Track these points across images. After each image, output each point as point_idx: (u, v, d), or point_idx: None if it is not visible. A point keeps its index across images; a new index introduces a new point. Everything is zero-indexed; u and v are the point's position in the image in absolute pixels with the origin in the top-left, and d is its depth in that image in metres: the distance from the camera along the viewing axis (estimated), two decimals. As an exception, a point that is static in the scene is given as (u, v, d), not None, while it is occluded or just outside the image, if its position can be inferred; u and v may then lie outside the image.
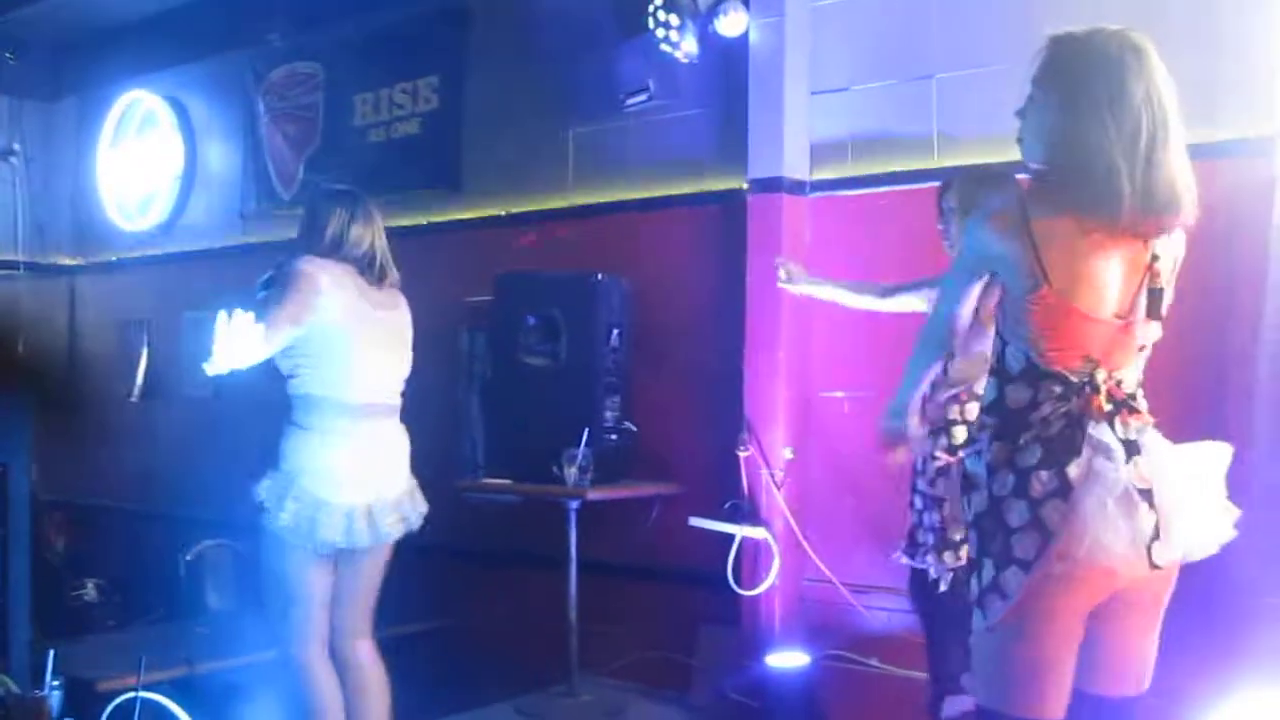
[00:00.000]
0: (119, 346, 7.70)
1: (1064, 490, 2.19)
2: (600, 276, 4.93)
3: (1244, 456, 3.54)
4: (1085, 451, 2.20)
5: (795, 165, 4.76)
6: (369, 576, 3.74)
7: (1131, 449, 2.22)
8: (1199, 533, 2.26)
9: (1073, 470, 2.19)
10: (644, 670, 4.91)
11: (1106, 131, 2.18)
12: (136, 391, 7.56)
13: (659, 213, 5.23)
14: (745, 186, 4.84)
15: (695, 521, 4.72)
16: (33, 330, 7.90)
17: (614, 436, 4.91)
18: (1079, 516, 2.17)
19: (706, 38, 4.85)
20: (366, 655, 3.75)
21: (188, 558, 6.10)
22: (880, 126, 4.65)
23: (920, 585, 3.49)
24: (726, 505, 4.73)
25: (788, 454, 4.68)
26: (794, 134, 4.76)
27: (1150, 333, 2.29)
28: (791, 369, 4.72)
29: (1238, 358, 3.64)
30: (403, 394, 3.75)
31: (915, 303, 3.69)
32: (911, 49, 4.57)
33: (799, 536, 4.64)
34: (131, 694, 2.89)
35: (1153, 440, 2.26)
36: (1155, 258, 2.25)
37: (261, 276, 3.63)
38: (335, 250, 3.58)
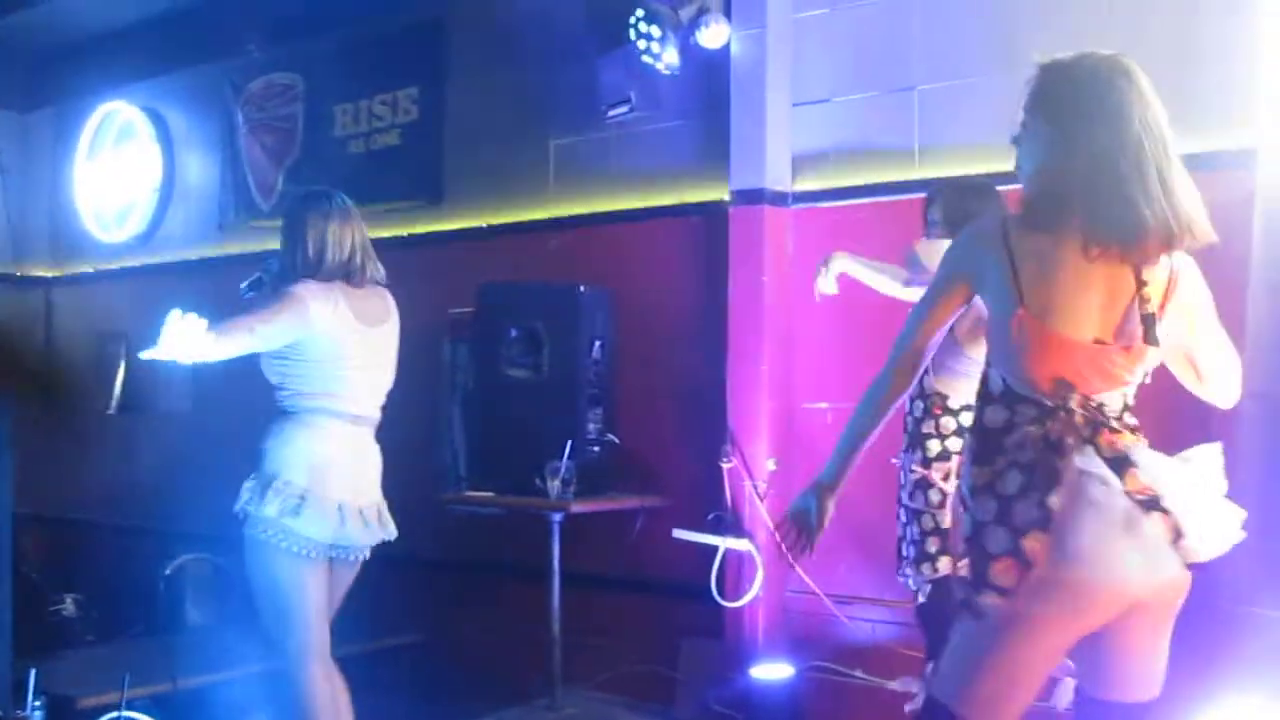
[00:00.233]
0: (96, 359, 7.64)
1: (1044, 520, 2.18)
2: (583, 288, 4.93)
3: (1228, 467, 3.60)
4: (1069, 479, 2.19)
5: (777, 176, 4.77)
6: (339, 587, 3.69)
7: (1121, 464, 2.21)
8: (1210, 533, 2.26)
9: (1054, 500, 2.18)
10: (627, 683, 4.90)
11: (1112, 154, 2.17)
12: (114, 404, 7.51)
13: (641, 224, 5.23)
14: (727, 198, 4.84)
15: (679, 533, 4.72)
16: (9, 342, 7.84)
17: (597, 449, 4.91)
18: (1077, 550, 2.16)
19: (688, 49, 4.85)
20: (329, 673, 3.69)
21: (167, 572, 6.07)
22: (862, 138, 4.67)
23: (929, 607, 3.44)
24: (710, 517, 4.73)
25: (771, 465, 4.68)
26: (776, 145, 4.77)
27: (1149, 359, 2.29)
28: (774, 380, 4.72)
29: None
30: (382, 408, 3.74)
31: None
32: (893, 61, 4.58)
33: (782, 548, 4.63)
34: (115, 714, 2.86)
35: (1145, 453, 2.26)
36: (1143, 283, 2.24)
37: (249, 277, 3.62)
38: (320, 262, 3.56)
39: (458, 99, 5.97)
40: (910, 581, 3.42)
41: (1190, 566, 2.29)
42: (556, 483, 4.62)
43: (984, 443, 2.30)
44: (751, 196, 4.76)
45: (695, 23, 4.80)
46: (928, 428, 3.34)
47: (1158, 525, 2.19)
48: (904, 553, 3.45)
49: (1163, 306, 2.28)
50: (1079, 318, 2.22)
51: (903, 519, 3.45)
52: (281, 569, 3.46)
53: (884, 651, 4.38)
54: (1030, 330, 2.21)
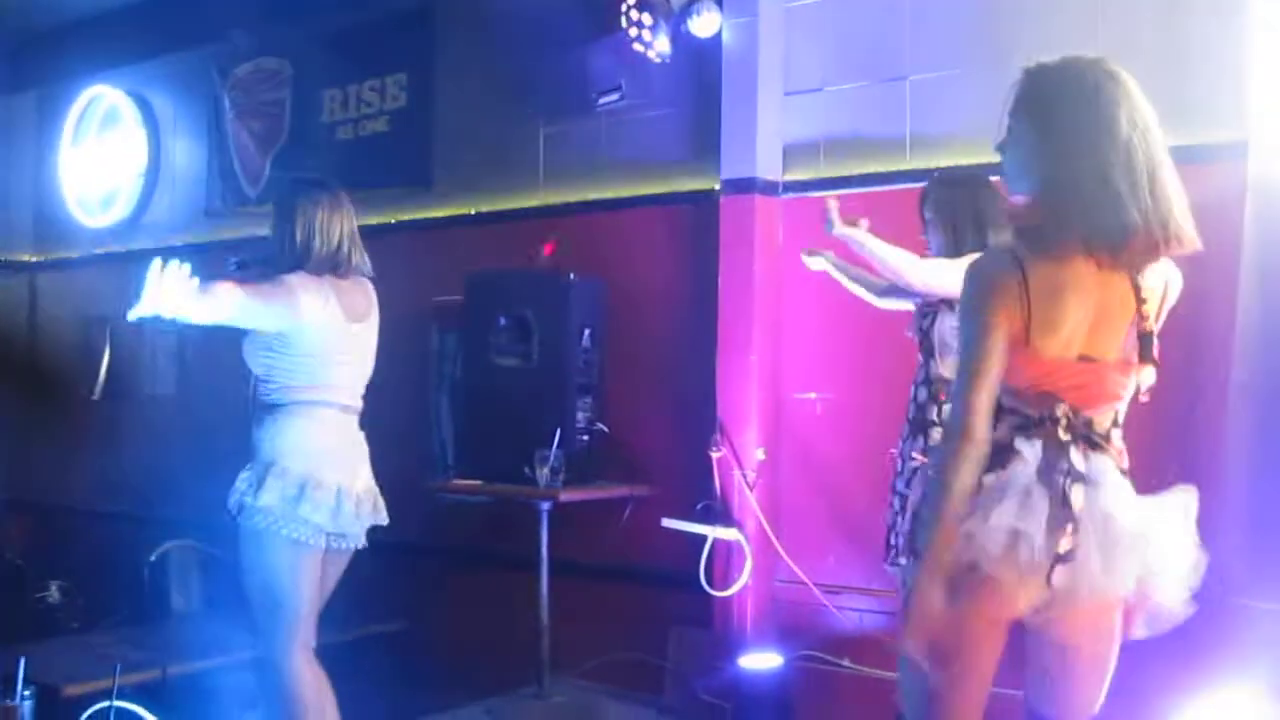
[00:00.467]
0: (81, 344, 7.59)
1: (975, 491, 2.22)
2: (572, 276, 4.91)
3: (1217, 457, 3.63)
4: (1012, 464, 2.22)
5: (768, 166, 4.76)
6: (332, 577, 3.70)
7: (1077, 476, 2.22)
8: (1160, 578, 2.27)
9: (989, 478, 2.22)
10: (616, 671, 4.89)
11: (1103, 159, 2.16)
12: (98, 390, 7.47)
13: (631, 212, 5.21)
14: (718, 187, 4.83)
15: (668, 522, 4.72)
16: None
17: (586, 437, 4.89)
18: (979, 512, 2.19)
19: (679, 37, 4.83)
20: (312, 665, 3.68)
21: (151, 559, 6.05)
22: (853, 128, 4.66)
23: None
24: (699, 506, 4.73)
25: (760, 455, 4.67)
26: (767, 135, 4.75)
27: (1145, 377, 2.29)
28: (764, 370, 4.72)
29: (1211, 365, 3.67)
30: (363, 397, 3.74)
31: (905, 304, 3.67)
32: (885, 50, 4.57)
33: (771, 537, 4.65)
34: (105, 704, 2.85)
35: (1112, 478, 2.27)
36: (1142, 300, 2.25)
37: (238, 256, 3.60)
38: (307, 250, 3.55)
39: (447, 86, 5.94)
40: (899, 572, 3.42)
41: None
42: (545, 471, 4.61)
43: None
44: (742, 186, 4.75)
45: (687, 11, 4.78)
46: (931, 414, 3.33)
47: (1056, 537, 2.19)
48: (892, 542, 3.45)
49: (1157, 319, 2.29)
50: (1067, 335, 2.23)
51: (895, 507, 3.45)
52: (281, 557, 3.45)
53: (872, 641, 4.38)
54: (1022, 346, 2.22)
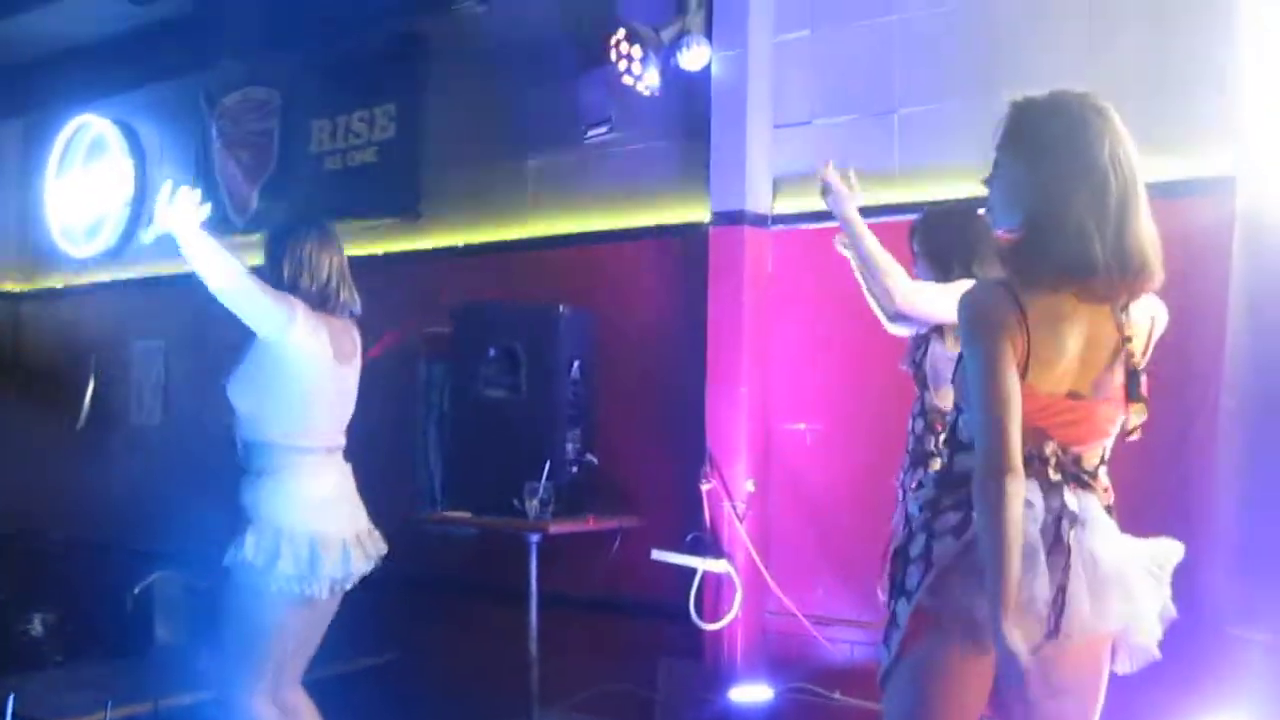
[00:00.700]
0: (65, 374, 7.55)
1: (961, 529, 2.22)
2: (562, 308, 4.91)
3: (1208, 486, 3.64)
4: (1029, 529, 2.19)
5: (758, 198, 4.78)
6: (329, 615, 3.69)
7: (1072, 519, 2.22)
8: (1107, 612, 2.26)
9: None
10: (605, 704, 4.87)
11: (1076, 192, 2.18)
12: (83, 419, 7.43)
13: (620, 244, 5.22)
14: (707, 219, 4.85)
15: (657, 554, 4.71)
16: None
17: (575, 469, 4.88)
18: (968, 558, 2.18)
19: (669, 71, 4.85)
20: (304, 700, 3.70)
21: (135, 590, 6.01)
22: (842, 160, 4.62)
23: None
24: (689, 538, 4.72)
25: (750, 486, 4.67)
26: (756, 167, 4.77)
27: (1134, 416, 2.29)
28: (753, 401, 4.72)
29: (1200, 394, 3.69)
30: (344, 432, 3.75)
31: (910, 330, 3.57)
32: (874, 84, 4.60)
33: (761, 569, 4.64)
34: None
35: (1098, 517, 2.27)
36: (1128, 339, 2.26)
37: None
38: (294, 286, 3.56)
39: (436, 117, 5.95)
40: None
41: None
42: (535, 503, 4.60)
43: (952, 489, 2.30)
44: (732, 218, 4.77)
45: (676, 44, 4.81)
46: (929, 445, 3.33)
47: (1046, 582, 2.19)
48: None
49: (1145, 355, 2.30)
50: (1056, 372, 2.23)
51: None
52: (277, 612, 3.46)
53: (862, 673, 4.36)
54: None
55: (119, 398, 7.25)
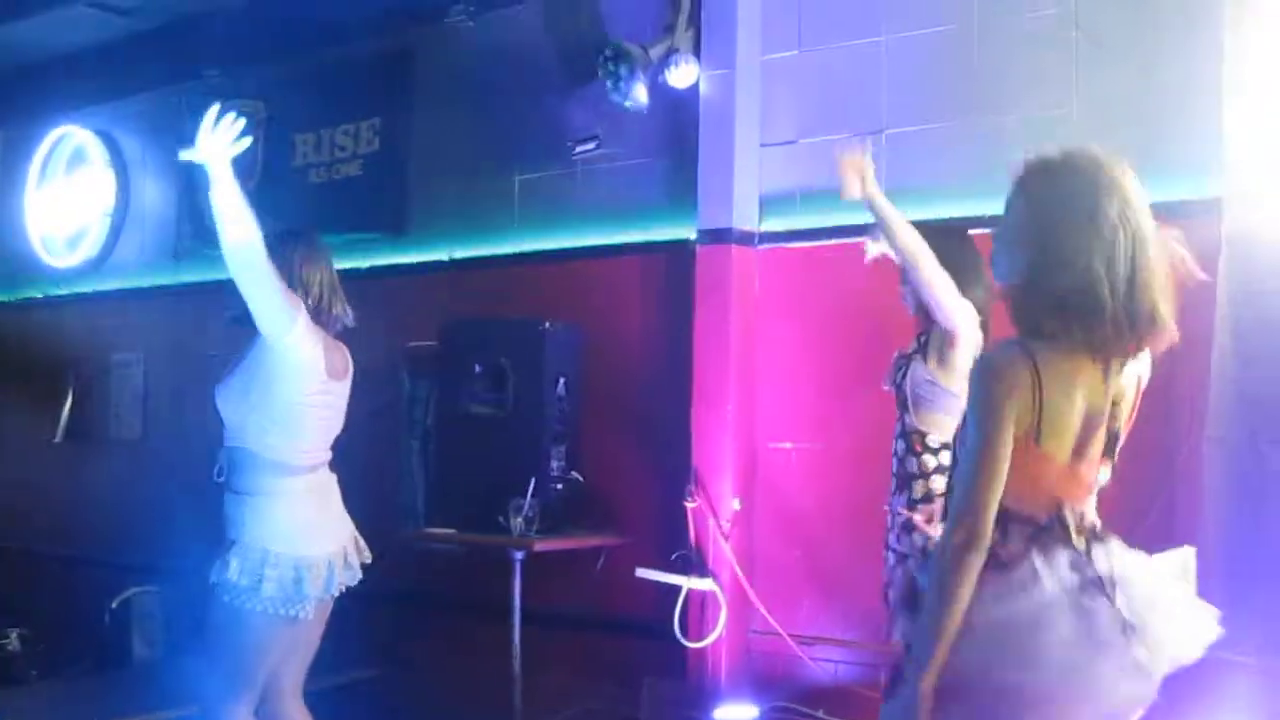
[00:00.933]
0: (43, 387, 7.49)
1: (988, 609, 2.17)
2: (548, 324, 4.91)
3: (1193, 510, 3.65)
4: (1055, 592, 2.17)
5: (744, 216, 4.79)
6: (321, 626, 3.67)
7: (1112, 584, 2.19)
8: (1181, 638, 2.26)
9: (1015, 606, 2.16)
10: (589, 722, 4.86)
11: (1086, 246, 2.16)
12: (60, 432, 7.37)
13: (607, 261, 5.23)
14: (694, 236, 4.85)
15: (642, 573, 4.69)
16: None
17: (560, 486, 4.88)
18: (1052, 662, 2.14)
19: (657, 88, 4.86)
20: (302, 713, 3.68)
21: (113, 605, 5.96)
22: (829, 179, 4.60)
23: None
24: (674, 556, 4.71)
25: (735, 505, 4.67)
26: (743, 185, 4.79)
27: (1104, 474, 2.30)
28: (739, 420, 4.72)
29: (1186, 419, 3.71)
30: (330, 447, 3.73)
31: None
32: (861, 104, 4.62)
33: (746, 588, 4.63)
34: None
35: (1121, 555, 2.26)
36: (1115, 403, 2.26)
37: (231, 310, 3.55)
38: None
39: (422, 131, 5.94)
40: (896, 630, 3.38)
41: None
42: (519, 520, 4.59)
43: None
44: (718, 236, 4.77)
45: (664, 62, 4.82)
46: (911, 467, 3.33)
47: (1137, 645, 2.17)
48: (890, 598, 3.41)
49: (1130, 419, 2.31)
50: (1064, 438, 2.22)
51: (890, 563, 3.42)
52: (261, 633, 3.42)
53: (846, 692, 4.37)
54: (1025, 451, 2.19)
55: (98, 410, 7.19)
